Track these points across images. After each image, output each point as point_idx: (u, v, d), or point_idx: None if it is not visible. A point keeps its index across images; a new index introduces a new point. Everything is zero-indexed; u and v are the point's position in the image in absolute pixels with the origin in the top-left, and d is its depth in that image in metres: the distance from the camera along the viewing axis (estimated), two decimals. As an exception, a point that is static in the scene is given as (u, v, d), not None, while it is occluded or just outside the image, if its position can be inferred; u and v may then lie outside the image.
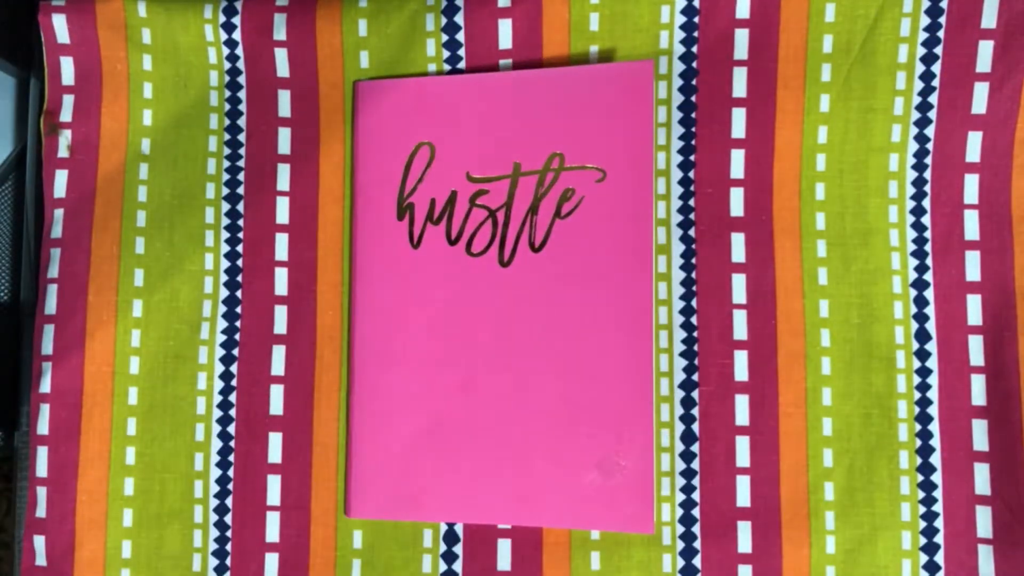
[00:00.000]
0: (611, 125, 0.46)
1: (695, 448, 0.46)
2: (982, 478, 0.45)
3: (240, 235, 0.49)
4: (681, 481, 0.46)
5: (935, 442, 0.45)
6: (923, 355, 0.46)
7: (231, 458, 0.48)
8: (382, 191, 0.48)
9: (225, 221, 0.50)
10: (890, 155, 0.46)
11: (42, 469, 0.48)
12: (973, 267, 0.46)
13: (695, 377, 0.47)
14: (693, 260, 0.47)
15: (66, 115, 0.50)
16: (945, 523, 0.45)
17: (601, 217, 0.46)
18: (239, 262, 0.49)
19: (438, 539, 0.47)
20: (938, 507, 0.45)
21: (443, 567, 0.47)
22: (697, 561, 0.46)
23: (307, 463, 0.48)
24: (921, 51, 0.46)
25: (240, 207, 0.49)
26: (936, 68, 0.46)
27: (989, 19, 0.45)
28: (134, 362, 0.49)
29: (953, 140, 0.46)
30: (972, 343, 0.45)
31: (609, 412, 0.45)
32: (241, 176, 0.50)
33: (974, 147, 0.46)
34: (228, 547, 0.48)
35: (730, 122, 0.47)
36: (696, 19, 0.47)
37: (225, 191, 0.50)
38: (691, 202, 0.47)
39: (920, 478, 0.45)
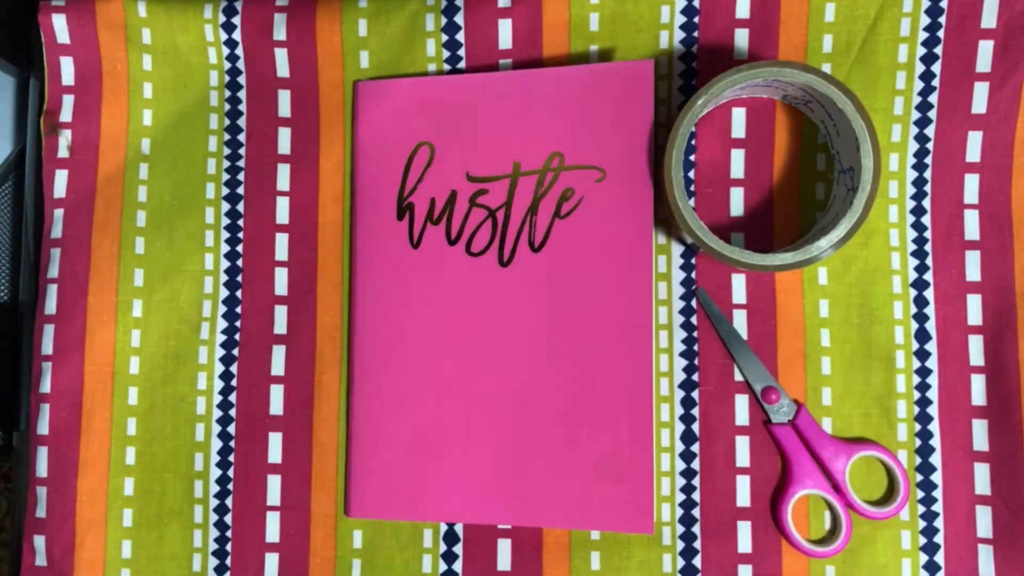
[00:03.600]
0: (611, 125, 0.46)
1: (695, 448, 0.46)
2: (982, 478, 0.45)
3: (240, 235, 0.49)
4: (681, 481, 0.46)
5: (935, 442, 0.45)
6: (923, 355, 0.46)
7: (231, 458, 0.48)
8: (382, 191, 0.48)
9: (225, 221, 0.50)
10: (890, 155, 0.46)
11: (42, 469, 0.48)
12: (973, 267, 0.46)
13: (695, 377, 0.47)
14: (693, 260, 0.47)
15: (66, 115, 0.50)
16: (945, 523, 0.45)
17: (601, 217, 0.46)
18: (239, 262, 0.49)
19: (438, 539, 0.47)
20: (938, 507, 0.45)
21: (443, 567, 0.47)
22: (697, 561, 0.46)
23: (307, 463, 0.48)
24: (921, 51, 0.46)
25: (240, 207, 0.49)
26: (936, 68, 0.46)
27: (989, 19, 0.45)
28: (134, 362, 0.49)
29: (953, 140, 0.46)
30: (972, 343, 0.45)
31: (609, 412, 0.45)
32: (241, 176, 0.50)
33: (974, 147, 0.46)
34: (228, 547, 0.48)
35: (730, 122, 0.47)
36: (696, 19, 0.47)
37: (225, 191, 0.50)
38: (691, 202, 0.47)
39: (920, 478, 0.45)
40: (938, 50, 0.46)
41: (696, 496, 0.46)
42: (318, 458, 0.48)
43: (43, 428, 0.48)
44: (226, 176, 0.50)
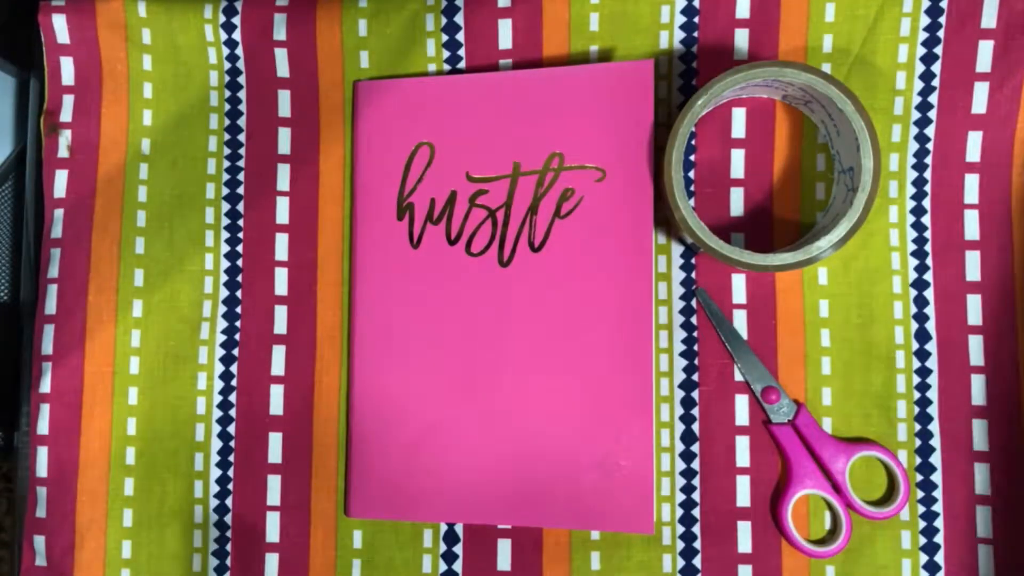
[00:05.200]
0: (611, 125, 0.46)
1: (695, 448, 0.46)
2: (982, 478, 0.45)
3: (240, 235, 0.49)
4: (681, 481, 0.46)
5: (935, 442, 0.45)
6: (923, 355, 0.46)
7: (231, 458, 0.48)
8: (382, 191, 0.48)
9: (225, 221, 0.50)
10: (890, 155, 0.46)
11: (42, 469, 0.48)
12: (973, 267, 0.46)
13: (695, 377, 0.47)
14: (693, 260, 0.47)
15: (66, 115, 0.50)
16: (945, 523, 0.45)
17: (601, 217, 0.46)
18: (239, 262, 0.49)
19: (438, 539, 0.47)
20: (938, 507, 0.45)
21: (443, 567, 0.47)
22: (697, 561, 0.46)
23: (307, 463, 0.48)
24: (921, 51, 0.46)
25: (240, 207, 0.50)
26: (936, 68, 0.46)
27: (989, 19, 0.45)
28: (134, 362, 0.49)
29: (953, 140, 0.46)
30: (972, 343, 0.45)
31: (609, 412, 0.45)
32: (241, 176, 0.50)
33: (974, 147, 0.46)
34: (228, 547, 0.48)
35: (730, 122, 0.47)
36: (696, 19, 0.47)
37: (225, 191, 0.50)
38: (691, 202, 0.47)
39: (920, 478, 0.45)
40: (938, 50, 0.46)
41: (696, 496, 0.46)
42: (318, 458, 0.48)
43: (43, 428, 0.48)
44: (226, 176, 0.50)
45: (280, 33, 0.49)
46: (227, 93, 0.50)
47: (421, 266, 0.47)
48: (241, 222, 0.49)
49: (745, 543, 0.46)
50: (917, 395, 0.46)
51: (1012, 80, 0.45)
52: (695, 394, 0.47)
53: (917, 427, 0.45)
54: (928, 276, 0.46)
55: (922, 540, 0.45)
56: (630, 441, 0.45)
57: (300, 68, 0.49)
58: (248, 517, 0.48)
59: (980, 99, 0.46)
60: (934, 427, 0.45)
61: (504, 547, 0.47)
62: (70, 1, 0.49)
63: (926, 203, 0.46)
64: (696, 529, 0.46)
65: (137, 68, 0.50)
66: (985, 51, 0.45)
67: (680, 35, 0.47)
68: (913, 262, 0.46)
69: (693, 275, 0.47)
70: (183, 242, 0.49)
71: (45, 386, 0.49)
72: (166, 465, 0.49)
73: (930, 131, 0.46)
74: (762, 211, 0.47)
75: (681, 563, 0.46)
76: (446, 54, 0.48)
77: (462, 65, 0.49)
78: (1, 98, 0.53)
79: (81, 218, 0.49)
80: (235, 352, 0.49)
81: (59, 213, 0.49)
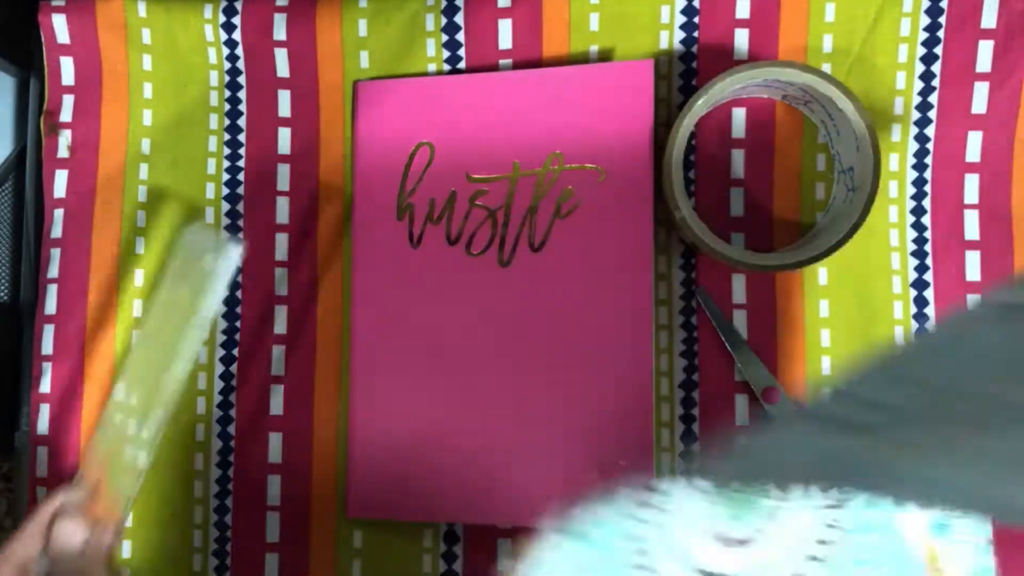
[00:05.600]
0: (611, 125, 0.46)
1: (695, 448, 0.46)
2: (982, 478, 0.45)
3: (240, 235, 0.49)
4: (681, 481, 0.46)
5: (935, 442, 0.45)
6: (923, 355, 0.46)
7: (231, 458, 0.48)
8: (382, 191, 0.48)
9: (225, 221, 0.50)
10: (890, 155, 0.46)
11: (42, 469, 0.48)
12: (973, 267, 0.46)
13: (695, 377, 0.47)
14: (693, 260, 0.47)
15: (66, 115, 0.50)
16: (945, 523, 0.45)
17: (601, 217, 0.46)
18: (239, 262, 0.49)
19: (438, 539, 0.47)
20: (938, 507, 0.45)
21: (443, 567, 0.47)
22: (697, 561, 0.46)
23: (307, 463, 0.48)
24: (921, 51, 0.46)
25: (240, 207, 0.49)
26: (936, 68, 0.46)
27: (989, 19, 0.45)
28: (134, 362, 0.49)
29: (953, 140, 0.46)
30: (972, 343, 0.45)
31: (609, 412, 0.45)
32: (241, 176, 0.50)
33: (974, 147, 0.46)
34: (228, 547, 0.48)
35: (730, 122, 0.47)
36: (696, 19, 0.47)
37: (225, 191, 0.50)
38: (691, 202, 0.47)
39: (920, 478, 0.45)
40: (938, 50, 0.46)
41: (696, 496, 0.46)
42: (318, 458, 0.48)
43: (43, 428, 0.48)
44: (226, 176, 0.50)
45: (280, 33, 0.49)
46: (227, 93, 0.50)
47: (421, 266, 0.47)
48: (241, 222, 0.49)
49: (745, 543, 0.46)
50: (917, 395, 0.46)
51: (1012, 80, 0.45)
52: (695, 394, 0.47)
53: (917, 427, 0.45)
54: (928, 276, 0.46)
55: (922, 540, 0.45)
56: (630, 441, 0.45)
57: (300, 68, 0.49)
58: (248, 517, 0.48)
59: (980, 99, 0.46)
60: (934, 427, 0.45)
61: (504, 547, 0.47)
62: (70, 1, 0.49)
63: (926, 203, 0.46)
64: (696, 529, 0.46)
65: (137, 68, 0.50)
66: (985, 51, 0.45)
67: (680, 35, 0.47)
68: (913, 262, 0.46)
69: (693, 275, 0.47)
70: (183, 242, 0.49)
71: (45, 386, 0.49)
72: (166, 465, 0.48)
73: (930, 131, 0.46)
74: (762, 211, 0.47)
75: (681, 563, 0.46)
76: (446, 54, 0.48)
77: (462, 65, 0.49)
78: (1, 98, 0.53)
79: (81, 218, 0.49)
80: (235, 352, 0.49)
81: (59, 213, 0.49)
